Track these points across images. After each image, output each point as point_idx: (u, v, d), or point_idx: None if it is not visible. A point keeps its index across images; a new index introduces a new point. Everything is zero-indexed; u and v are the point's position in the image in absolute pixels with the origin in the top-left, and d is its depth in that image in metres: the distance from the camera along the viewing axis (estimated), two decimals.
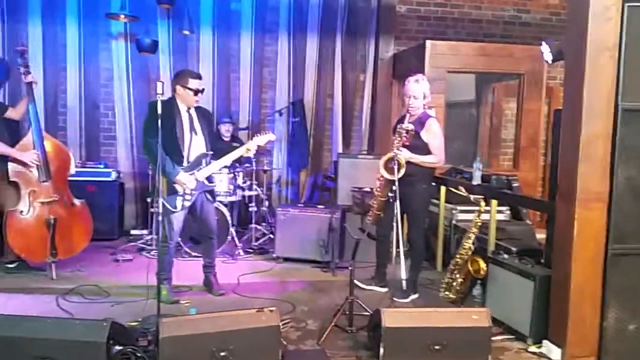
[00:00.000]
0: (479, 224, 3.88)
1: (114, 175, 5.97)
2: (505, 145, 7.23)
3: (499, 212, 5.16)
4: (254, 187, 5.83)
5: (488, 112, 7.38)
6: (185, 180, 3.98)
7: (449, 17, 7.11)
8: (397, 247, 3.68)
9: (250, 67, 6.60)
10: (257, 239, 5.78)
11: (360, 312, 3.63)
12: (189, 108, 4.10)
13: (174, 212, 4.00)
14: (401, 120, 4.32)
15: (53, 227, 4.42)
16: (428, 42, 5.91)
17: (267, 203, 6.07)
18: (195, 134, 4.09)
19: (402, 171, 3.95)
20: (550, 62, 3.60)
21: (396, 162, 3.88)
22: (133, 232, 6.21)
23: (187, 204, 4.05)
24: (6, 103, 5.23)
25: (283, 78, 6.69)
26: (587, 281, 3.17)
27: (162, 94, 3.50)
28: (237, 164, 5.69)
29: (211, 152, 4.14)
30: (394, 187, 3.84)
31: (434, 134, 4.28)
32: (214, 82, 6.53)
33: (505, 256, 3.84)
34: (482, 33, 7.16)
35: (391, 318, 3.08)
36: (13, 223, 4.38)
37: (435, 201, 5.19)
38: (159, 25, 6.30)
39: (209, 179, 4.17)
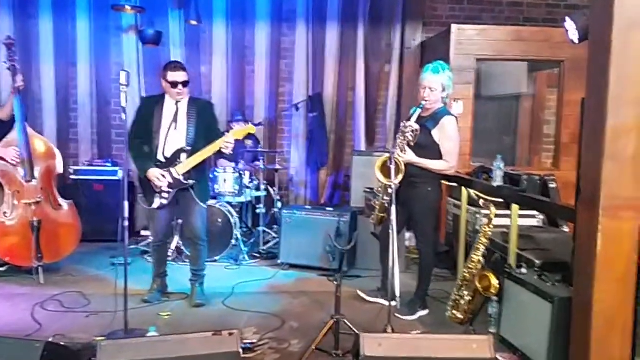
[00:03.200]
0: (489, 233, 3.32)
1: (120, 174, 5.75)
2: (548, 141, 6.52)
3: (531, 217, 4.59)
4: (262, 187, 5.42)
5: (529, 105, 6.69)
6: (154, 176, 3.71)
7: (484, 1, 6.47)
8: (393, 257, 3.18)
9: (266, 59, 6.21)
10: (265, 243, 5.40)
11: (351, 333, 3.17)
12: (177, 101, 3.81)
13: (150, 209, 3.81)
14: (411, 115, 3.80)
15: (37, 229, 4.21)
16: (454, 27, 5.33)
17: (279, 204, 5.66)
18: (175, 128, 3.78)
19: (400, 176, 3.45)
20: (576, 41, 3.01)
21: (394, 163, 3.38)
22: (144, 232, 5.96)
23: (164, 202, 3.79)
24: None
25: (301, 70, 6.26)
26: (615, 307, 2.56)
27: (128, 85, 3.24)
28: (242, 161, 5.35)
29: (189, 148, 3.78)
30: (389, 191, 3.34)
31: (448, 137, 3.73)
32: (227, 76, 6.20)
33: (524, 271, 3.28)
34: (522, 17, 6.49)
35: (372, 345, 2.61)
36: None
37: (457, 203, 4.68)
38: (170, 17, 6.03)
39: (187, 176, 3.79)
